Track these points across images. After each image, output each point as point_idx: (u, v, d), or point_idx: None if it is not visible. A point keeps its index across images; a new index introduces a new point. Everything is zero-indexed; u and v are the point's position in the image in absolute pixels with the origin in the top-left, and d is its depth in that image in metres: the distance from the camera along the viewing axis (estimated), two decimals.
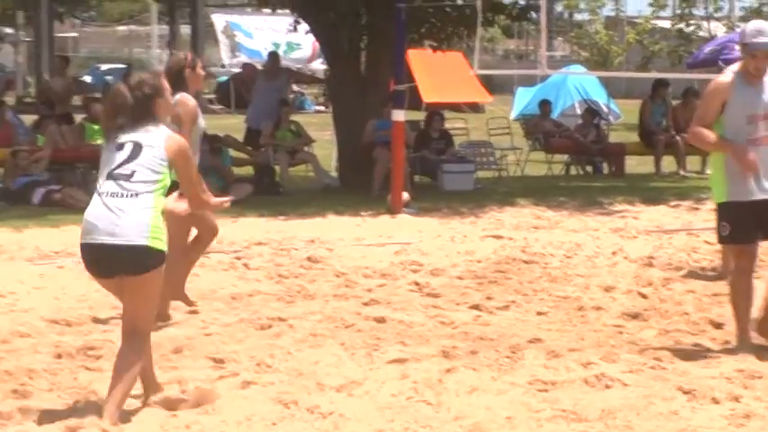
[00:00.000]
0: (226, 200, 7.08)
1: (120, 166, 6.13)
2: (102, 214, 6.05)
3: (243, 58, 38.82)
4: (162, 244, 6.09)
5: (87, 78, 43.48)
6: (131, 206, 6.04)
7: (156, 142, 6.17)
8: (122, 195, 6.07)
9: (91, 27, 63.39)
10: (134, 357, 6.12)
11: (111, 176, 6.13)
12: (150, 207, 6.05)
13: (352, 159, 17.58)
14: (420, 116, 20.55)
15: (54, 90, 20.67)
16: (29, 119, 19.72)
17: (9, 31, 48.95)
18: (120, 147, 6.16)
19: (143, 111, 6.23)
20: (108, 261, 6.06)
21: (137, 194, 6.07)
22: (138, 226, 6.01)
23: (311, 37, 23.59)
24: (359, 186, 16.71)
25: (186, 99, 8.51)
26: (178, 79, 8.41)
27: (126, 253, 5.99)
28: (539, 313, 9.02)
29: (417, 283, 10.05)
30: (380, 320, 8.57)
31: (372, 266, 10.80)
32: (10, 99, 31.27)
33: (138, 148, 6.15)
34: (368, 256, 11.42)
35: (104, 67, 48.78)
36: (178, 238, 8.72)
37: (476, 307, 9.16)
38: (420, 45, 18.95)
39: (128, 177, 6.10)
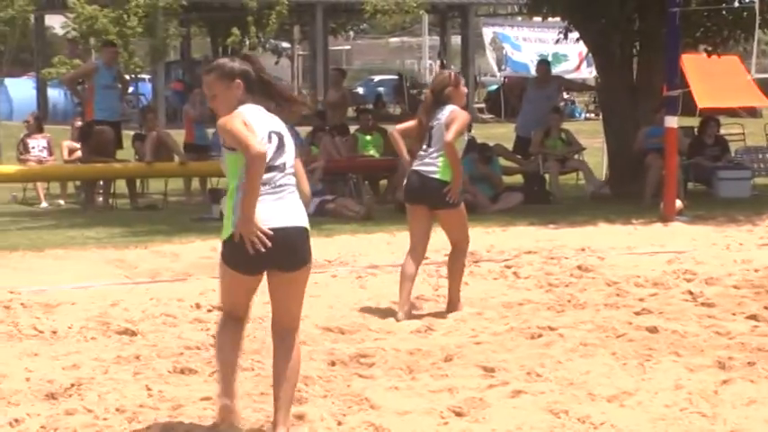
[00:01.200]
0: None
1: None
2: None
3: (509, 71, 38.84)
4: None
5: (360, 90, 44.42)
6: None
7: None
8: None
9: (364, 40, 64.77)
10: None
11: None
12: None
13: (624, 167, 17.35)
14: (694, 122, 20.10)
15: (329, 102, 21.11)
16: (303, 130, 20.25)
17: (286, 45, 50.54)
18: None
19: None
20: None
21: None
22: None
23: (577, 48, 23.39)
24: (630, 194, 16.47)
25: (459, 109, 9.15)
26: (441, 96, 9.15)
27: None
28: None
29: (691, 293, 9.80)
30: (653, 330, 8.39)
31: (644, 275, 10.59)
32: None
33: None
34: (640, 264, 11.21)
35: (376, 78, 49.76)
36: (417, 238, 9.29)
37: (753, 317, 8.86)
38: (694, 49, 18.56)
39: None
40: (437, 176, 9.04)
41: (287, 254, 5.88)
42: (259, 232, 5.76)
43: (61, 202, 17.83)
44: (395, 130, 9.62)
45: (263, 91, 6.02)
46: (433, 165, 9.06)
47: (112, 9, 22.42)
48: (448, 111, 9.07)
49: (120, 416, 6.45)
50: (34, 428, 6.24)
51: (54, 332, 8.52)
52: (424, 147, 9.14)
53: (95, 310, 9.15)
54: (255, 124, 5.86)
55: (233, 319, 6.10)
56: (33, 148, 18.56)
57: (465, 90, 9.39)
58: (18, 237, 13.68)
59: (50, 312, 9.13)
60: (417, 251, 9.31)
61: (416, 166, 9.18)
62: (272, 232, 5.78)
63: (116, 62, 17.93)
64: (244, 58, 6.04)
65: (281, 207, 5.87)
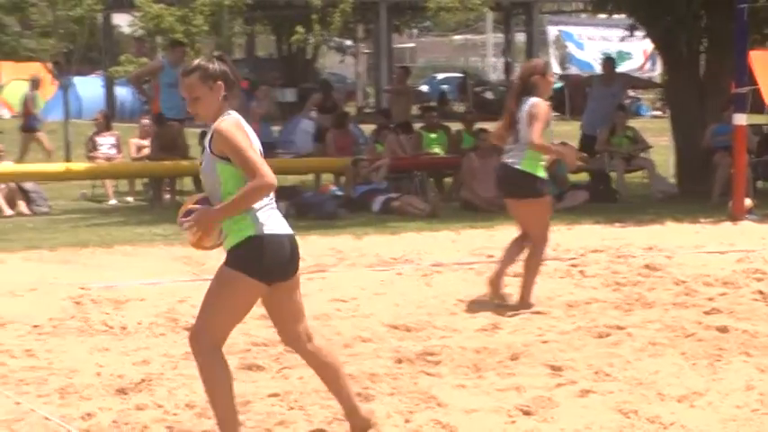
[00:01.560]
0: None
1: None
2: None
3: (573, 70, 38.61)
4: None
5: (424, 88, 44.36)
6: None
7: None
8: None
9: (427, 37, 64.71)
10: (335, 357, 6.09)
11: None
12: None
13: (691, 165, 17.21)
14: (763, 120, 19.90)
15: (393, 89, 21.12)
16: (368, 128, 20.28)
17: (349, 43, 50.60)
18: None
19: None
20: None
21: None
22: None
23: (642, 46, 23.15)
24: (698, 193, 16.35)
25: (539, 101, 9.19)
26: (527, 84, 9.23)
27: None
28: None
29: (762, 292, 9.69)
30: (723, 330, 8.32)
31: (714, 274, 10.49)
32: (351, 109, 32.27)
33: None
34: (708, 263, 11.11)
35: (440, 76, 49.68)
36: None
37: None
38: (763, 46, 18.36)
39: None
40: (519, 167, 9.18)
41: (297, 259, 5.89)
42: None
43: (129, 199, 17.99)
44: (493, 139, 10.34)
45: (235, 94, 5.86)
46: (517, 156, 9.21)
47: (179, 8, 22.56)
48: (528, 104, 9.13)
49: (189, 411, 6.51)
50: (106, 423, 6.31)
51: (123, 328, 8.60)
52: (510, 140, 9.29)
53: (164, 307, 9.22)
54: (252, 138, 5.74)
55: (220, 350, 5.87)
56: (102, 145, 18.74)
57: (552, 80, 9.48)
58: (88, 233, 13.82)
59: (120, 308, 9.22)
60: (526, 239, 9.52)
61: (503, 159, 9.39)
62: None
63: (183, 61, 18.05)
64: (219, 59, 5.79)
65: (280, 216, 5.88)
